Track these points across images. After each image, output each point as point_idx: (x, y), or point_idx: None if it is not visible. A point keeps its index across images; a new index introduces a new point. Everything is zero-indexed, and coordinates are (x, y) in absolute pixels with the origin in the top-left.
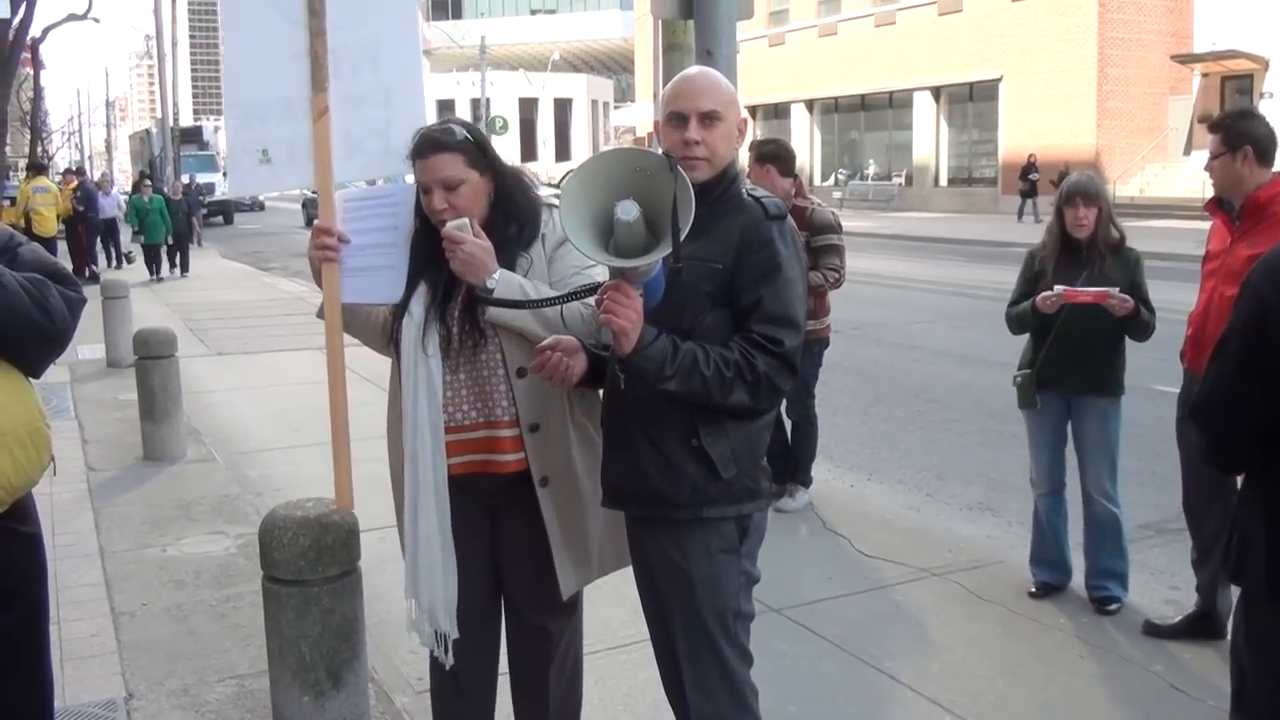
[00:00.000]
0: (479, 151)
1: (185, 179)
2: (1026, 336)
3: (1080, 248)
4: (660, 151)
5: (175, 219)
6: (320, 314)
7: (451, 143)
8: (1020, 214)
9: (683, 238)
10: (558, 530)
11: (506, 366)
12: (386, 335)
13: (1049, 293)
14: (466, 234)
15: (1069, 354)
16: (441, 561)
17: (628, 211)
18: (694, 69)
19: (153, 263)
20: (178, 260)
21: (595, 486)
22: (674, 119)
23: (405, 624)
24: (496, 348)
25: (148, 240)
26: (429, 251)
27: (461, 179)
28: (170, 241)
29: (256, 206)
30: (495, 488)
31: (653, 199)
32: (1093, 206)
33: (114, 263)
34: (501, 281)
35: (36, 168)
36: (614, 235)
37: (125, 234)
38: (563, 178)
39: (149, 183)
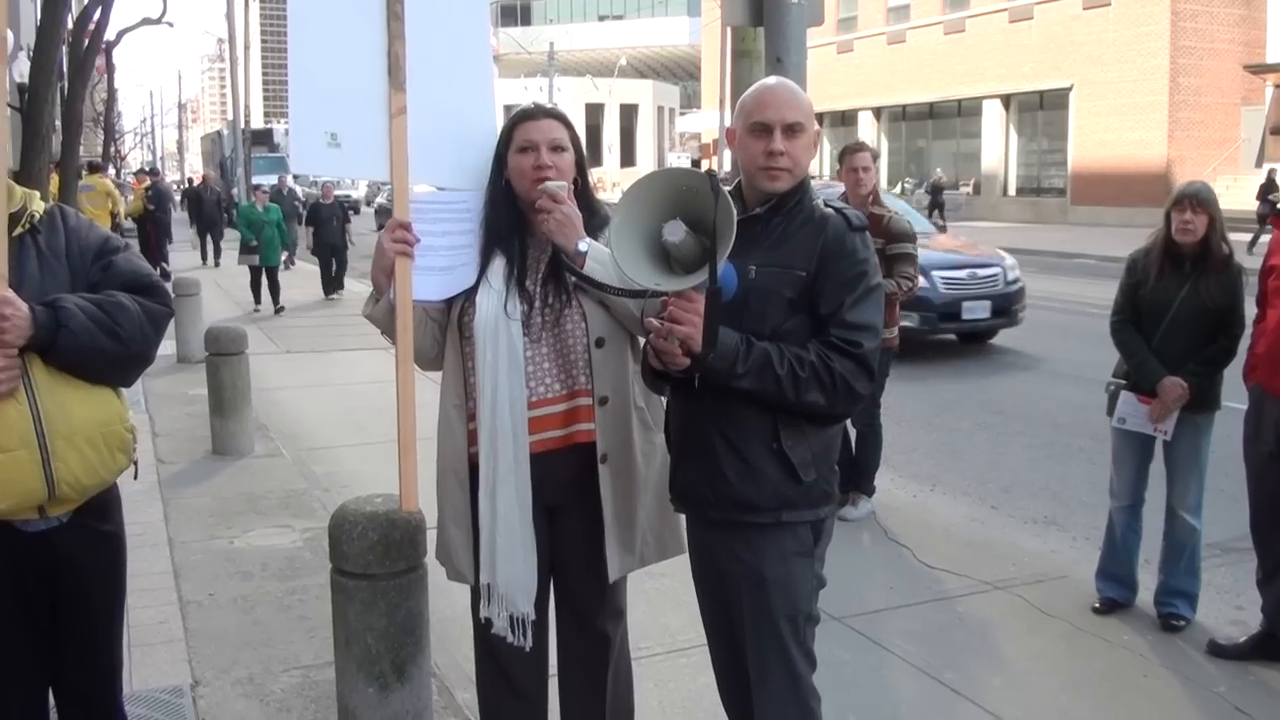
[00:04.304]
0: (573, 131)
1: (300, 182)
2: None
3: (1184, 259)
4: (704, 170)
5: (329, 229)
6: (366, 313)
7: (558, 112)
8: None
9: (723, 260)
10: (611, 511)
11: (589, 336)
12: (430, 339)
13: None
14: (565, 195)
15: (1167, 367)
16: (522, 543)
17: (673, 233)
18: (772, 79)
19: (262, 287)
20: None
21: (647, 473)
22: (757, 129)
23: (468, 607)
24: (580, 316)
25: (264, 261)
26: (505, 226)
27: (565, 146)
28: (321, 258)
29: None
30: (567, 476)
31: (702, 213)
32: (1202, 213)
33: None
34: (591, 249)
35: (90, 166)
36: (669, 253)
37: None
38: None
39: (264, 189)
